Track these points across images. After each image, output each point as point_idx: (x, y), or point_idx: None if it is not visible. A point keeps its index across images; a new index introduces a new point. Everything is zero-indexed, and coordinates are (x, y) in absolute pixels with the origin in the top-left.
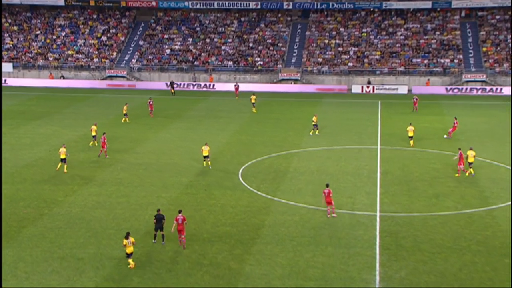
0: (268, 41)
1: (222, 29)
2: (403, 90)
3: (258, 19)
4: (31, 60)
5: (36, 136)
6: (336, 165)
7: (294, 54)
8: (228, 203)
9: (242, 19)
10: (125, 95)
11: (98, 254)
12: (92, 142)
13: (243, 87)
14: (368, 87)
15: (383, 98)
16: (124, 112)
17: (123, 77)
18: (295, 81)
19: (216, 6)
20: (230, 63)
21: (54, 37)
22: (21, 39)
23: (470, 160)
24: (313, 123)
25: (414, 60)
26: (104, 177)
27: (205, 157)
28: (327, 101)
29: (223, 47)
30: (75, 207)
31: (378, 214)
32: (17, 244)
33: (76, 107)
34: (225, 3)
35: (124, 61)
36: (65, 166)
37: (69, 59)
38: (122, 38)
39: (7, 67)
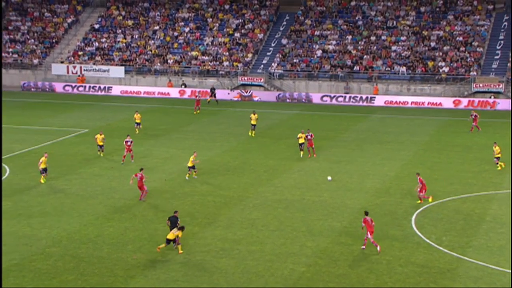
0: (458, 39)
1: (393, 23)
2: None
3: (445, 9)
4: (147, 63)
5: (150, 160)
6: None
7: (496, 57)
8: (396, 260)
9: (422, 9)
10: (263, 110)
11: None
12: (100, 152)
13: (419, 100)
14: None
15: None
16: (137, 121)
17: (260, 86)
18: (496, 94)
19: None
20: (403, 69)
21: (176, 34)
22: (136, 36)
23: None
24: (495, 155)
25: None
26: (232, 216)
27: (190, 168)
28: None
29: (393, 48)
30: (195, 254)
31: None
32: None
33: (200, 124)
34: None
35: (262, 66)
36: (43, 176)
37: (193, 62)
38: (261, 36)
39: (117, 71)
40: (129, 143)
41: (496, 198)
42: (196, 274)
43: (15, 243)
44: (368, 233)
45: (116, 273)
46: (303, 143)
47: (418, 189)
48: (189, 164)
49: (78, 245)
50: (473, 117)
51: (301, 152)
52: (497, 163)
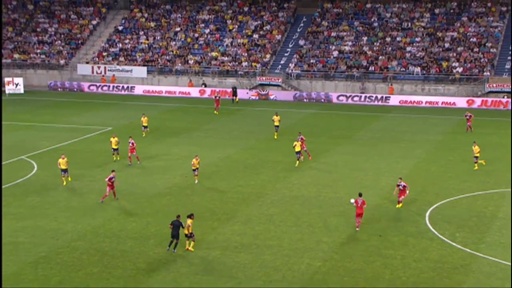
0: (471, 40)
1: (408, 25)
2: None
3: (459, 11)
4: (168, 63)
5: (171, 158)
6: None
7: (509, 58)
8: (410, 255)
9: (437, 10)
10: (281, 109)
11: None
12: (115, 155)
13: (433, 100)
14: None
15: None
16: (144, 124)
17: (278, 85)
18: (509, 94)
19: None
20: (417, 69)
21: (196, 35)
22: (158, 37)
23: None
24: (475, 154)
25: None
26: (250, 212)
27: (194, 170)
28: None
29: (408, 49)
30: (214, 249)
31: None
32: None
33: (220, 123)
34: None
35: (280, 66)
36: (68, 177)
37: (213, 62)
38: (278, 37)
39: (140, 71)
40: (130, 144)
41: (509, 195)
42: (215, 268)
43: (43, 237)
44: (357, 215)
45: (138, 266)
46: (299, 151)
47: (399, 192)
48: (195, 167)
49: (102, 239)
50: (467, 117)
51: (298, 162)
52: (476, 162)
